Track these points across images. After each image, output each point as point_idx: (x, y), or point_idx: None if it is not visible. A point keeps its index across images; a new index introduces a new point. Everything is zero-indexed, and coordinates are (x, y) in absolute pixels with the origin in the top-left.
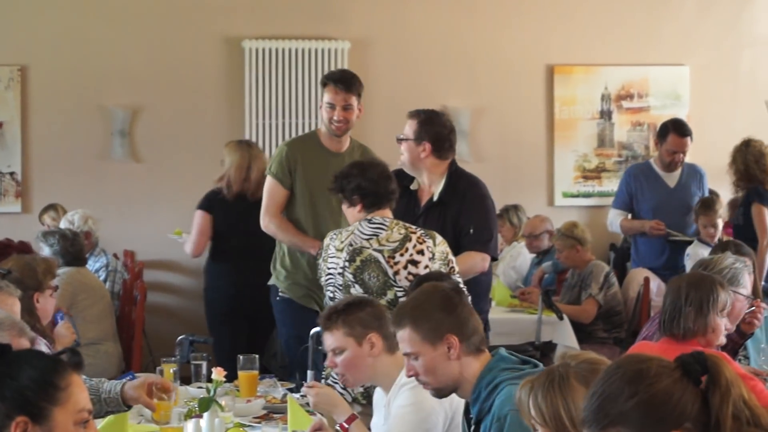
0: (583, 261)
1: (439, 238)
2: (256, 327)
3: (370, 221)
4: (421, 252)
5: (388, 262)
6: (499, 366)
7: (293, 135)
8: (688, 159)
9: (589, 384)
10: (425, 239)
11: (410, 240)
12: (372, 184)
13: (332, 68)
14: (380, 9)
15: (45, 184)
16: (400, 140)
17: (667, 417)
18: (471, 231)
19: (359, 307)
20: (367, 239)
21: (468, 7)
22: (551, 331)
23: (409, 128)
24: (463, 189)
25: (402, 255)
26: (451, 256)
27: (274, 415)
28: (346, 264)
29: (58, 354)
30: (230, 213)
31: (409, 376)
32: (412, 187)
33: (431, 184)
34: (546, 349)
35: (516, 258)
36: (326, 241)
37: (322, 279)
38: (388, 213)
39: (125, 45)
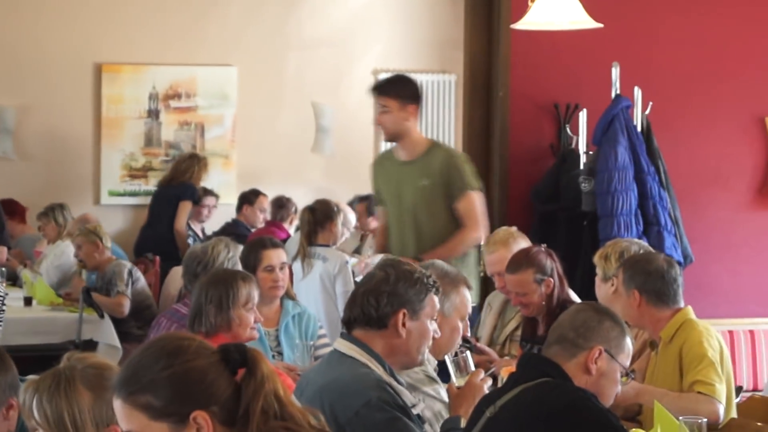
0: (105, 261)
1: None
2: None
3: None
4: None
5: None
6: None
7: None
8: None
9: (95, 388)
10: None
11: None
12: None
13: None
14: None
15: None
16: None
17: (195, 395)
18: None
19: None
20: None
21: (11, 3)
22: (92, 329)
23: None
24: None
25: None
26: None
27: None
28: None
29: None
30: None
31: None
32: None
33: None
34: (87, 348)
35: (60, 257)
36: None
37: None
38: None
39: None
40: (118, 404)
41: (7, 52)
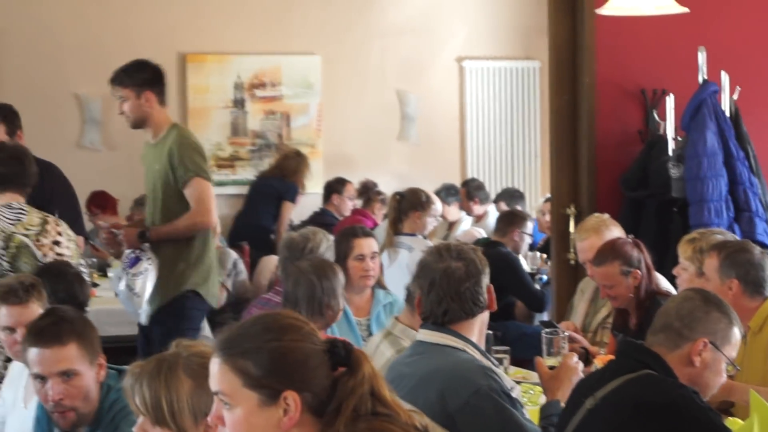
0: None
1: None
2: None
3: (9, 207)
4: (59, 233)
5: (37, 244)
6: (118, 384)
7: None
8: None
9: (197, 377)
10: (59, 221)
11: (48, 223)
12: (2, 167)
13: None
14: None
15: None
16: None
17: (294, 375)
18: (56, 214)
19: (39, 285)
20: (14, 223)
21: None
22: None
23: None
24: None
25: (46, 237)
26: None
27: None
28: (3, 252)
29: None
30: None
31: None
32: None
33: None
34: None
35: None
36: None
37: None
38: (18, 198)
39: None
40: (215, 363)
41: (93, 42)
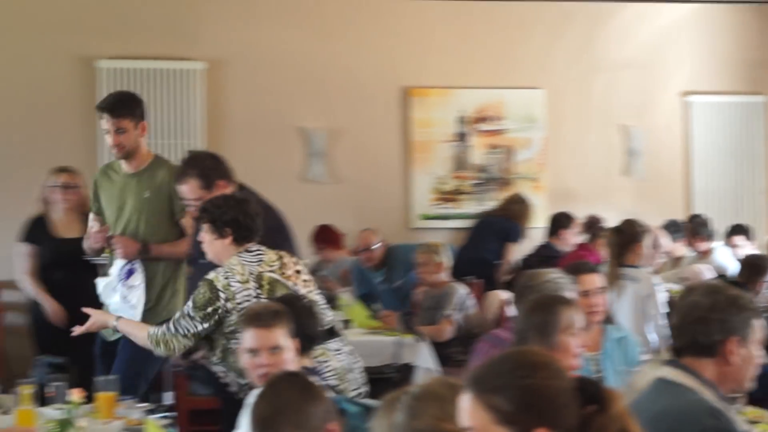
0: (441, 282)
1: None
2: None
3: (248, 251)
4: (296, 263)
5: (284, 277)
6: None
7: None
8: None
9: (405, 415)
10: (289, 254)
11: (283, 258)
12: (249, 220)
13: (187, 88)
14: (235, 29)
15: None
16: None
17: (544, 412)
18: None
19: (285, 314)
20: (258, 264)
21: (324, 29)
22: (410, 352)
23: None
24: None
25: (288, 269)
26: None
27: None
28: (259, 291)
29: None
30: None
31: None
32: None
33: None
34: (405, 371)
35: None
36: (221, 281)
37: (232, 318)
38: (254, 244)
39: None
40: (467, 399)
41: (318, 77)
